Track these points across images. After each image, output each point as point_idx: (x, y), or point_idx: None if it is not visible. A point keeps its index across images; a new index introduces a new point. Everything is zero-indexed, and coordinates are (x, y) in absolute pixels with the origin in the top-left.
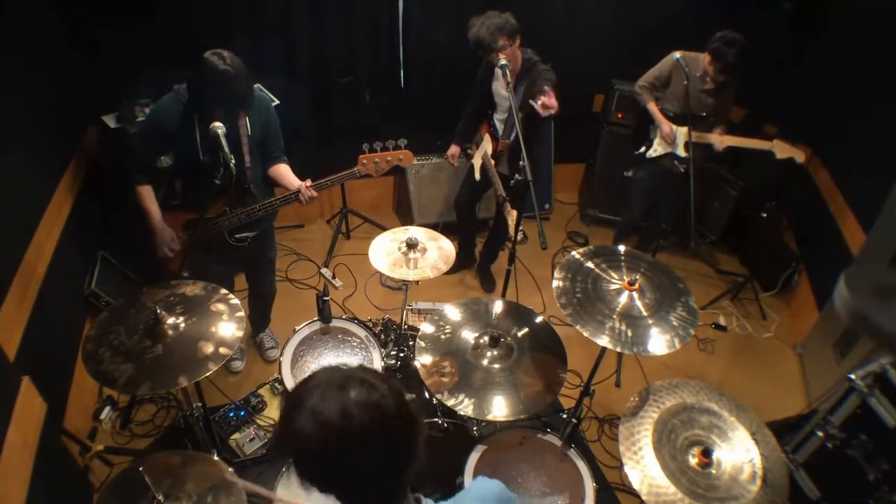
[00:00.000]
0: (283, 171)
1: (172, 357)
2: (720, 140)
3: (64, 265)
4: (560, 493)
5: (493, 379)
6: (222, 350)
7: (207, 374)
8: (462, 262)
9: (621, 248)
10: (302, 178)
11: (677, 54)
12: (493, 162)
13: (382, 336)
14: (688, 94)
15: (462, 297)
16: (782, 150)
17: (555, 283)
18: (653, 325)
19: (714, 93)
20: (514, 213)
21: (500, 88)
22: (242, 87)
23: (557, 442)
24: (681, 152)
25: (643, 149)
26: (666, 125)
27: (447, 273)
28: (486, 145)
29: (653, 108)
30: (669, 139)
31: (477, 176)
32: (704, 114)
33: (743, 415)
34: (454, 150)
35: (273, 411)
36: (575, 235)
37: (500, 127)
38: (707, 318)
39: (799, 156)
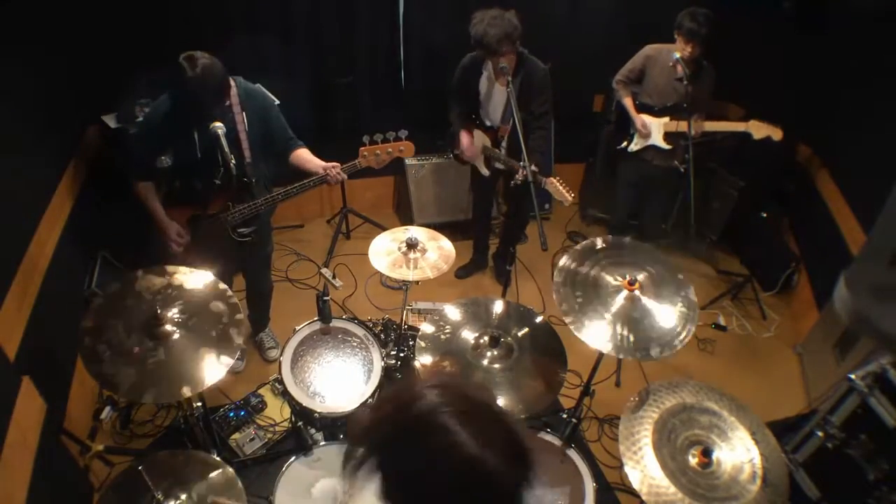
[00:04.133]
0: (305, 156)
1: (175, 365)
2: (694, 126)
3: (64, 265)
4: (560, 493)
5: (493, 379)
6: (224, 358)
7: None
8: (478, 264)
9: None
10: (304, 178)
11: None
12: (497, 151)
13: (382, 336)
14: (673, 87)
15: (462, 297)
16: (759, 129)
17: (555, 283)
18: None
19: (689, 80)
20: (553, 179)
21: (491, 87)
22: (205, 97)
23: (557, 442)
24: (660, 144)
25: (624, 143)
26: (638, 119)
27: (462, 277)
28: (482, 139)
29: (627, 102)
30: (644, 132)
31: (485, 171)
32: (685, 105)
33: (743, 415)
34: (466, 137)
35: (273, 411)
36: (575, 235)
37: (489, 123)
38: (707, 318)
39: (776, 134)
